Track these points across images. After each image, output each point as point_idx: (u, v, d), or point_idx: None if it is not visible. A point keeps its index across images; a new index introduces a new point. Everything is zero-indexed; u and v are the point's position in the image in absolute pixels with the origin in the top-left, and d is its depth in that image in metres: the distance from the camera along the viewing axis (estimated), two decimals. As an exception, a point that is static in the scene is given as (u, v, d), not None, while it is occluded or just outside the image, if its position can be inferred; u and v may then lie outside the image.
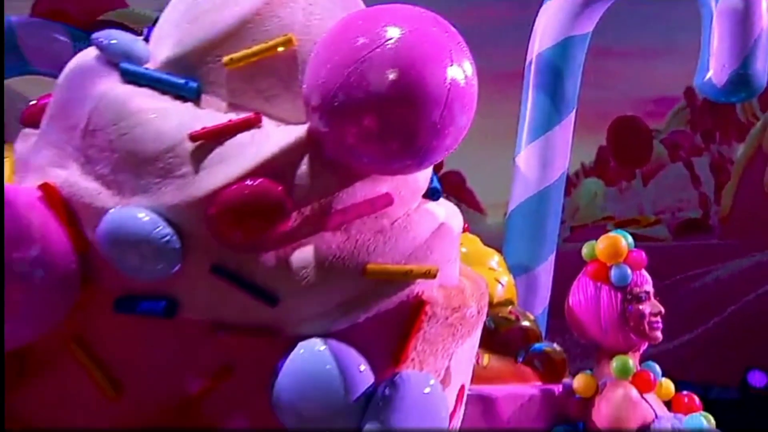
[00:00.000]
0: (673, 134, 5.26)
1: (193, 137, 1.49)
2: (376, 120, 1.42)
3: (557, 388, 2.70)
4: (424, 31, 1.43)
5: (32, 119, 1.69)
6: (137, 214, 1.48)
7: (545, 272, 3.35)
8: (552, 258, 3.36)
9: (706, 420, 2.68)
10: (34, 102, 1.73)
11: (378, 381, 1.52)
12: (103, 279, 1.54)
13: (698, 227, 5.32)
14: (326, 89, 1.41)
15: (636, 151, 5.19)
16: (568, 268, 3.14)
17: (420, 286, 1.59)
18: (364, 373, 1.51)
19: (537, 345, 2.76)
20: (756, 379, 4.83)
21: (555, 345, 2.81)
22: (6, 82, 4.19)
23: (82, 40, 3.76)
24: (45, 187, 1.55)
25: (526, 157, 3.38)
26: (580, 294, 2.72)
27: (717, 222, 5.14)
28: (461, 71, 1.42)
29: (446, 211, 1.66)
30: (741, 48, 2.96)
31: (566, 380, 2.75)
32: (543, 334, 2.92)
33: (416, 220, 1.60)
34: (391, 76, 1.37)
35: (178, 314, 1.53)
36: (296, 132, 1.51)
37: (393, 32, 1.39)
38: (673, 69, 5.21)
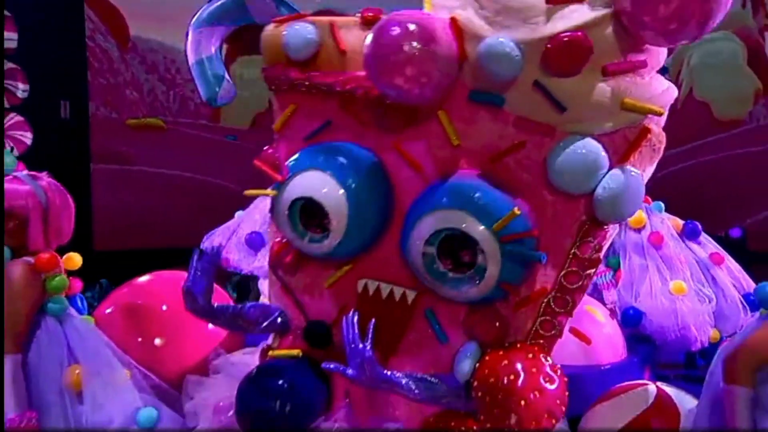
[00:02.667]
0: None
1: (547, 1, 1.77)
2: (668, 9, 1.64)
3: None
4: None
5: None
6: (502, 40, 1.77)
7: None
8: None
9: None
10: None
11: (611, 166, 1.80)
12: (464, 78, 1.85)
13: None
14: None
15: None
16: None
17: (648, 120, 1.81)
18: (602, 155, 1.78)
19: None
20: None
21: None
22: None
23: (281, 3, 4.49)
24: (452, 20, 1.84)
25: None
26: None
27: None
28: None
29: (669, 84, 1.88)
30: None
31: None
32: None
33: (655, 81, 1.84)
34: None
35: (501, 108, 1.84)
36: (606, 8, 1.75)
37: None
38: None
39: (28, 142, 5.51)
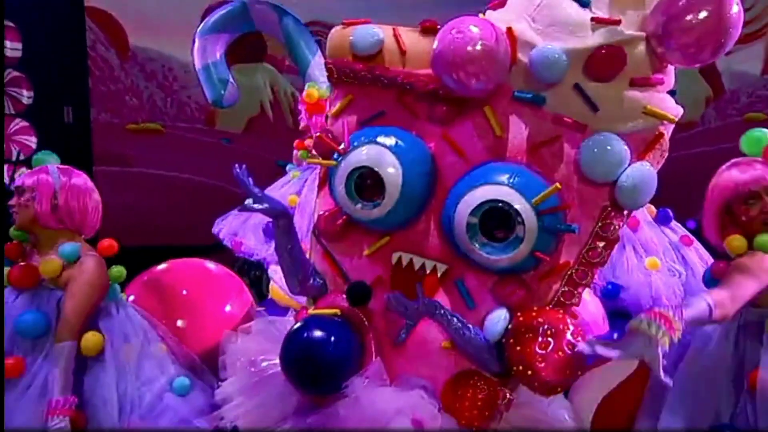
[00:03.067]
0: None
1: (593, 19, 1.95)
2: (690, 37, 1.88)
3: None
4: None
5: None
6: (552, 47, 1.94)
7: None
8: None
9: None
10: None
11: (631, 161, 1.96)
12: (511, 80, 2.01)
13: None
14: (667, 15, 1.89)
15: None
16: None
17: (663, 127, 1.99)
18: (626, 151, 1.94)
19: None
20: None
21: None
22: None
23: (283, 13, 4.66)
24: (508, 30, 2.00)
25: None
26: None
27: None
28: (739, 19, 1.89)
29: (675, 104, 2.03)
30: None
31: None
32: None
33: (667, 98, 2.01)
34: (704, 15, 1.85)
35: (541, 106, 2.01)
36: (639, 31, 1.95)
37: None
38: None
39: (33, 146, 5.62)
